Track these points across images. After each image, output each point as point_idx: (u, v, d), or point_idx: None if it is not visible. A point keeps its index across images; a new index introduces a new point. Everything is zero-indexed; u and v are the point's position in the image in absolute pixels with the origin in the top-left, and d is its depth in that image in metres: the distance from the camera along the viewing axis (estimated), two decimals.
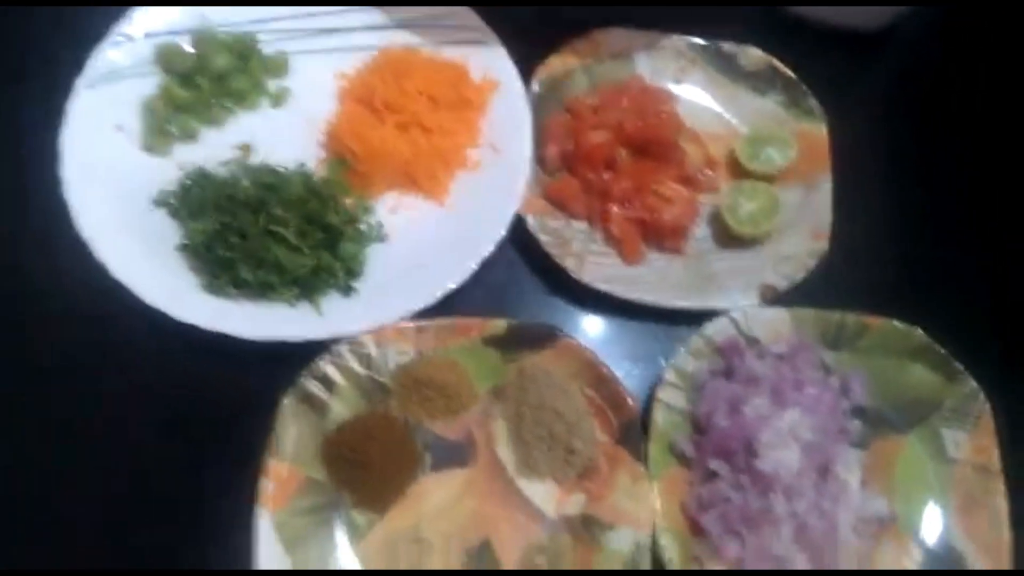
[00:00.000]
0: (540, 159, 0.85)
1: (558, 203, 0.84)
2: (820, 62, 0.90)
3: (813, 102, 0.87)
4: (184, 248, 0.78)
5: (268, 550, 0.67)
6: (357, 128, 0.82)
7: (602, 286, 0.79)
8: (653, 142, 0.84)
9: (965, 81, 0.94)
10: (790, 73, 0.88)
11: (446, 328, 0.75)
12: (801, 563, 0.70)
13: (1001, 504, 0.72)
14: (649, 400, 0.76)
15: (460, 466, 0.73)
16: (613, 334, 0.81)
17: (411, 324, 0.74)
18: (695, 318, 0.78)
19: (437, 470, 0.73)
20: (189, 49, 0.86)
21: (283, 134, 0.85)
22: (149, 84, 0.85)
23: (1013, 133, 0.92)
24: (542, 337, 0.75)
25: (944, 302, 0.83)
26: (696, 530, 0.71)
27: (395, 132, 0.82)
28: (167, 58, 0.85)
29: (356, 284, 0.78)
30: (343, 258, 0.77)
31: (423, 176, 0.82)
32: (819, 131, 0.86)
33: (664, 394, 0.75)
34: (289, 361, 0.72)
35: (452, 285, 0.76)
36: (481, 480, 0.73)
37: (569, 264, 0.79)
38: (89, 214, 0.76)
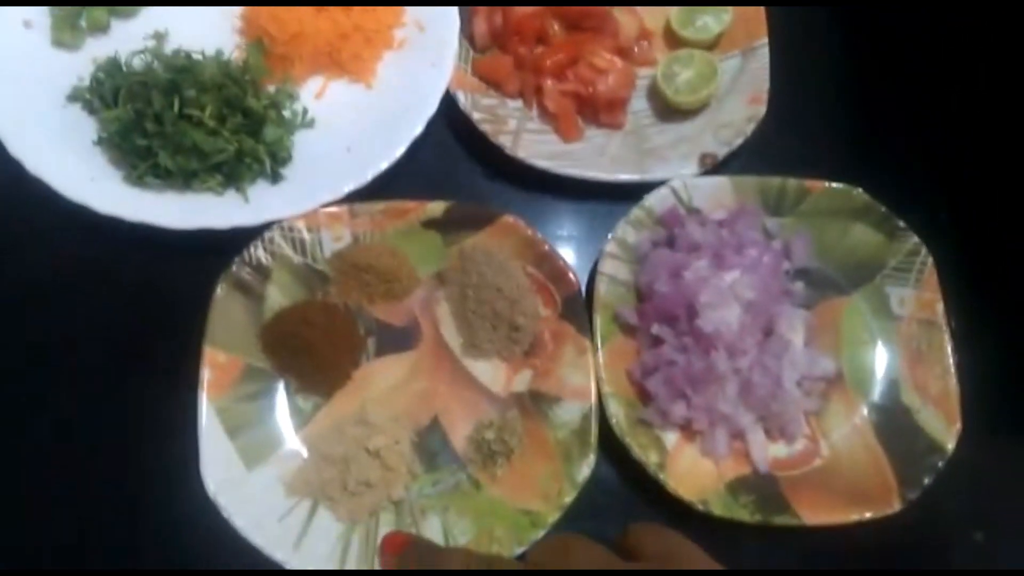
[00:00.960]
0: (469, 36, 0.81)
1: (490, 81, 0.80)
2: None
3: None
4: (102, 141, 0.74)
5: (211, 437, 0.65)
6: (273, 9, 0.77)
7: (539, 163, 0.76)
8: (585, 13, 0.80)
9: None
10: None
11: (382, 211, 0.71)
12: (748, 421, 0.69)
13: (948, 357, 0.71)
14: (594, 274, 0.73)
15: (405, 350, 0.71)
16: (554, 212, 0.79)
17: (344, 208, 0.71)
18: (637, 191, 0.75)
19: (382, 355, 0.71)
20: None
21: (198, 21, 0.80)
22: None
23: None
24: (482, 217, 0.72)
25: (883, 161, 0.82)
26: (643, 396, 0.70)
27: (313, 12, 0.77)
28: None
29: (284, 171, 0.75)
30: (267, 143, 0.73)
31: (347, 58, 0.78)
32: None
33: (606, 266, 0.73)
34: (223, 251, 0.69)
35: (383, 166, 0.72)
36: (427, 362, 0.71)
37: (504, 142, 0.76)
38: (1, 112, 0.71)
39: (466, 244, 0.72)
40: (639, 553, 0.47)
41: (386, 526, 0.65)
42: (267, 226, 0.70)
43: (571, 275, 0.71)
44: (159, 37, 0.78)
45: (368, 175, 0.72)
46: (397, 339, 0.71)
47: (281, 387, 0.69)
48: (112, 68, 0.75)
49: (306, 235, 0.70)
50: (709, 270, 0.71)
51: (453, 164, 0.79)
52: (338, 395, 0.69)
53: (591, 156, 0.79)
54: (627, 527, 0.50)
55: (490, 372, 0.71)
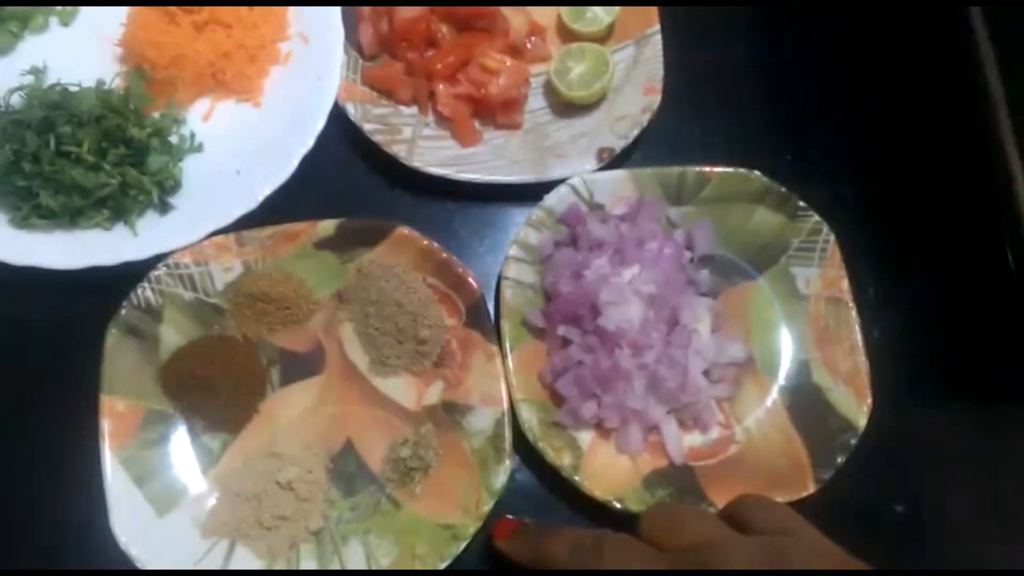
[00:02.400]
0: (356, 44, 0.77)
1: (381, 89, 0.77)
2: None
3: None
4: None
5: (118, 487, 0.62)
6: (151, 35, 0.73)
7: (437, 170, 0.73)
8: (473, 13, 0.77)
9: None
10: None
11: (271, 236, 0.68)
12: (659, 414, 0.68)
13: (856, 333, 0.70)
14: (500, 277, 0.71)
15: (311, 375, 0.69)
16: (458, 218, 0.76)
17: (231, 237, 0.68)
18: (538, 191, 0.73)
19: (287, 383, 0.68)
20: None
21: (76, 53, 0.76)
22: None
23: None
24: (375, 231, 0.69)
25: (780, 143, 0.80)
26: (555, 398, 0.68)
27: (192, 33, 0.74)
28: None
29: (173, 200, 0.71)
30: (151, 173, 0.70)
31: (232, 77, 0.75)
32: None
33: (511, 270, 0.70)
34: (116, 287, 0.66)
35: (271, 189, 0.69)
36: (336, 385, 0.68)
37: (399, 151, 0.73)
38: None
39: (363, 260, 0.69)
40: (750, 526, 0.49)
41: (307, 558, 0.63)
42: (156, 262, 0.66)
43: (472, 282, 0.68)
44: (36, 72, 0.74)
45: (259, 197, 0.69)
46: (302, 365, 0.68)
47: (185, 428, 0.66)
48: None
49: (194, 269, 0.67)
50: (609, 267, 0.69)
51: (349, 178, 0.76)
52: (246, 430, 0.66)
53: (491, 159, 0.76)
54: (738, 497, 0.51)
55: (401, 388, 0.68)
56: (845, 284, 0.71)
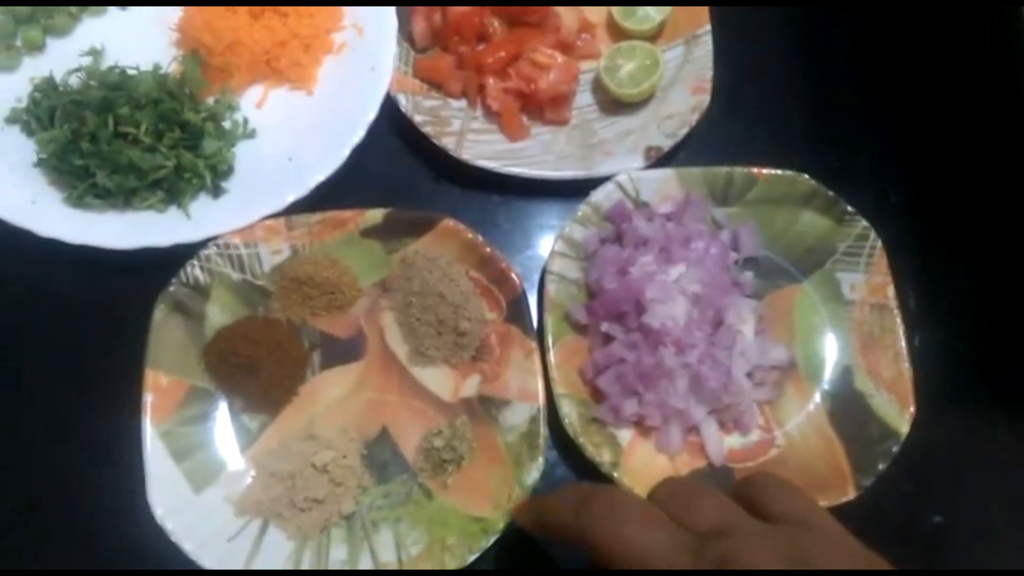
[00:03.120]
0: (408, 36, 0.77)
1: (432, 81, 0.76)
2: None
3: None
4: (41, 163, 0.70)
5: (156, 462, 0.62)
6: (208, 20, 0.73)
7: (485, 163, 0.73)
8: (525, 8, 0.76)
9: None
10: None
11: (319, 222, 0.68)
12: (700, 415, 0.66)
13: (900, 340, 0.68)
14: (544, 272, 0.70)
15: (351, 361, 0.68)
16: (503, 211, 0.76)
17: (281, 220, 0.68)
18: (584, 187, 0.72)
19: (327, 368, 0.68)
20: None
21: (134, 36, 0.76)
22: None
23: None
24: (421, 223, 0.69)
25: (831, 144, 0.79)
26: (596, 394, 0.67)
27: (248, 20, 0.74)
28: None
29: (225, 184, 0.71)
30: (206, 156, 0.70)
31: (286, 65, 0.75)
32: None
33: (555, 265, 0.70)
34: (165, 267, 0.66)
35: (322, 177, 0.69)
36: (374, 373, 0.68)
37: (448, 143, 0.73)
38: None
39: (407, 251, 0.69)
40: (766, 510, 0.46)
41: (337, 542, 0.63)
42: (206, 243, 0.66)
43: (514, 277, 0.67)
44: (95, 54, 0.74)
45: (310, 184, 0.69)
46: (342, 351, 0.68)
47: (225, 407, 0.66)
48: (48, 88, 0.71)
49: (243, 251, 0.67)
50: (655, 265, 0.68)
51: (397, 168, 0.76)
52: (285, 412, 0.66)
53: (537, 154, 0.75)
54: (752, 475, 0.49)
55: (438, 379, 0.68)
56: (891, 291, 0.70)
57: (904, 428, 0.65)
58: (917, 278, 0.74)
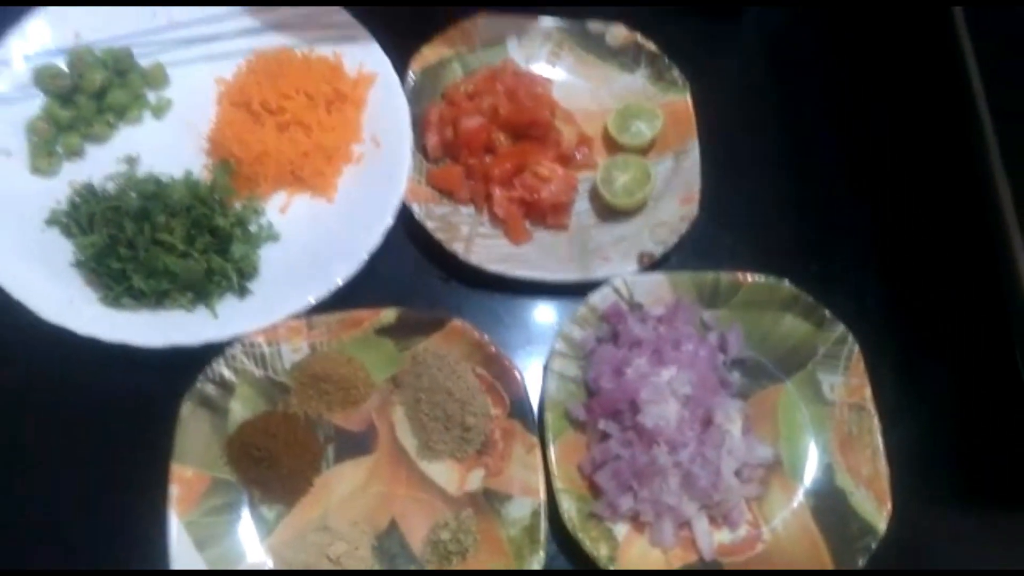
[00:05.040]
0: (422, 148, 0.82)
1: (443, 190, 0.81)
2: (683, 34, 0.89)
3: (676, 74, 0.85)
4: (79, 264, 0.74)
5: (180, 551, 0.64)
6: (238, 132, 0.78)
7: (491, 267, 0.77)
8: (529, 124, 0.81)
9: (818, 43, 0.94)
10: (654, 48, 0.86)
11: (337, 322, 0.71)
12: (692, 511, 0.69)
13: (877, 439, 0.72)
14: (545, 370, 0.73)
15: (363, 454, 0.71)
16: (507, 311, 0.79)
17: (302, 320, 0.71)
18: (583, 289, 0.76)
19: (341, 461, 0.71)
20: (66, 69, 0.80)
21: (167, 144, 0.80)
22: (32, 107, 0.80)
23: (866, 91, 0.91)
24: (432, 323, 0.72)
25: (809, 252, 0.83)
26: (594, 489, 0.70)
27: (275, 133, 0.78)
28: (45, 80, 0.80)
29: (250, 285, 0.75)
30: (234, 260, 0.74)
31: (309, 174, 0.79)
32: (684, 101, 0.84)
33: (555, 364, 0.73)
34: (191, 363, 0.69)
35: (342, 279, 0.72)
36: (385, 466, 0.70)
37: (457, 248, 0.77)
38: None
39: (418, 348, 0.72)
40: None
41: None
42: (231, 341, 0.70)
43: (517, 375, 0.71)
44: (131, 161, 0.79)
45: (330, 287, 0.73)
46: (355, 444, 0.71)
47: (246, 498, 0.68)
48: (87, 193, 0.75)
49: (266, 349, 0.70)
50: (648, 367, 0.71)
51: (409, 270, 0.79)
52: (301, 503, 0.68)
53: (539, 257, 0.79)
54: None
55: (444, 473, 0.70)
56: (868, 392, 0.73)
57: (882, 525, 0.68)
58: (894, 378, 0.77)
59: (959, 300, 0.82)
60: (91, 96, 0.79)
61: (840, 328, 0.75)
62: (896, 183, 0.87)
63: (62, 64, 0.80)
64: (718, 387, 0.73)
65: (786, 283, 0.76)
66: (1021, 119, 0.75)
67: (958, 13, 0.85)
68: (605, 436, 0.70)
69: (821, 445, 0.73)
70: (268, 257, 0.76)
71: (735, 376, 0.75)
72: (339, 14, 0.83)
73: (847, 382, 0.74)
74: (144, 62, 0.82)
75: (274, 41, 0.83)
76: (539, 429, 0.70)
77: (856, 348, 0.74)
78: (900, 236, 0.85)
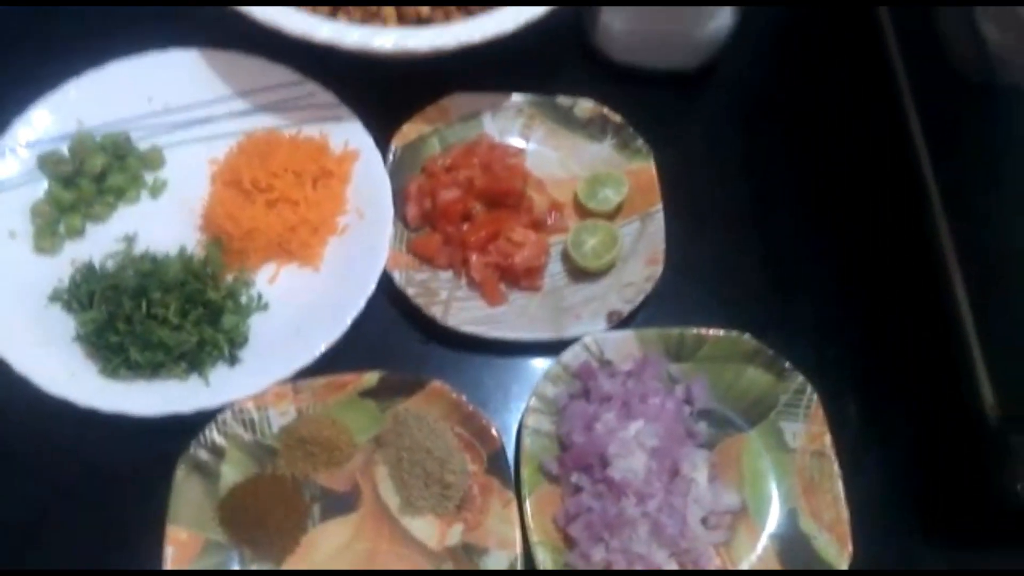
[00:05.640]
0: (403, 218, 0.86)
1: (423, 257, 0.85)
2: (647, 104, 0.94)
3: (641, 142, 0.90)
4: (79, 338, 0.78)
5: None
6: (229, 210, 0.82)
7: (468, 329, 0.81)
8: (503, 194, 0.86)
9: (779, 103, 0.99)
10: (618, 119, 0.91)
11: (323, 386, 0.76)
12: (662, 559, 0.72)
13: (838, 485, 0.75)
14: (521, 426, 0.77)
15: (348, 513, 0.74)
16: (485, 370, 0.83)
17: (289, 385, 0.75)
18: (556, 347, 0.80)
19: (327, 519, 0.74)
20: (68, 154, 0.85)
21: (163, 221, 0.85)
22: (36, 190, 0.85)
23: (824, 147, 0.96)
24: (412, 384, 0.76)
25: (770, 307, 0.87)
26: (568, 541, 0.73)
27: (264, 209, 0.83)
28: (49, 165, 0.85)
29: (240, 353, 0.79)
30: (225, 331, 0.78)
31: (296, 246, 0.84)
32: (648, 168, 0.89)
33: (530, 420, 0.77)
34: (185, 428, 0.73)
35: (326, 345, 0.77)
36: (369, 523, 0.74)
37: (436, 312, 0.81)
38: None
39: (399, 409, 0.76)
40: None
41: None
42: (222, 407, 0.74)
43: (494, 432, 0.74)
44: (129, 239, 0.83)
45: (316, 353, 0.77)
46: (340, 503, 0.74)
47: (236, 557, 0.71)
48: (87, 272, 0.80)
49: (255, 414, 0.74)
50: (616, 421, 0.75)
51: (391, 333, 0.83)
52: (288, 561, 0.72)
53: (514, 317, 0.83)
54: None
55: (425, 528, 0.73)
56: (828, 439, 0.76)
57: (843, 566, 0.71)
58: (854, 425, 0.81)
59: (916, 349, 0.85)
60: (92, 179, 0.84)
61: (799, 378, 0.79)
62: (854, 237, 0.92)
63: (64, 149, 0.86)
64: (684, 438, 0.76)
65: (747, 337, 0.80)
66: (962, 190, 0.80)
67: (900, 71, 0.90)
68: (578, 489, 0.74)
69: (784, 491, 0.77)
70: (257, 325, 0.81)
71: (701, 427, 0.78)
72: (324, 95, 0.89)
73: (808, 430, 0.77)
74: (142, 145, 0.88)
75: (264, 123, 0.89)
76: (516, 483, 0.74)
77: (815, 397, 0.78)
78: (858, 287, 0.89)
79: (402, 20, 0.88)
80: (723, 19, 0.91)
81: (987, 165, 0.75)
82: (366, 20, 0.87)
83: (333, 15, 0.87)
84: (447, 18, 0.88)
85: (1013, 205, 0.70)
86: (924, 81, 0.88)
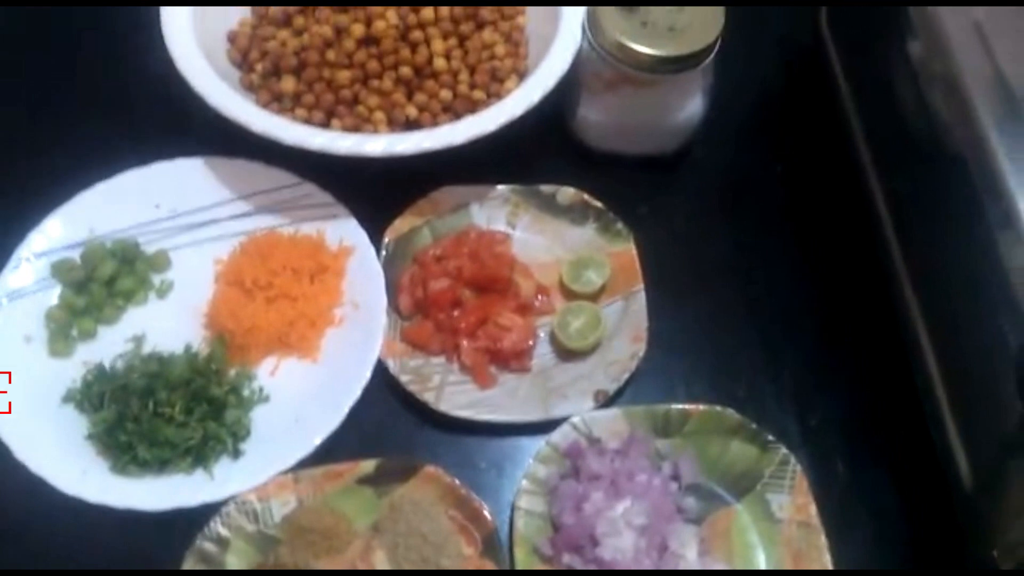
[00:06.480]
0: (396, 308, 0.90)
1: (415, 344, 0.89)
2: (626, 187, 0.99)
3: (620, 226, 0.94)
4: (91, 437, 0.82)
5: None
6: (232, 308, 0.87)
7: (460, 413, 0.84)
8: (490, 280, 0.91)
9: (749, 186, 1.03)
10: (599, 204, 0.95)
11: (322, 475, 0.79)
12: None
13: (825, 555, 0.76)
14: (513, 508, 0.79)
15: None
16: (477, 452, 0.86)
17: (289, 476, 0.78)
18: (545, 427, 0.83)
19: None
20: (80, 261, 0.90)
21: (170, 321, 0.90)
22: (50, 296, 0.90)
23: (793, 228, 1.00)
24: (407, 470, 0.79)
25: (753, 378, 0.90)
26: None
27: (265, 306, 0.87)
28: (62, 272, 0.90)
29: (243, 445, 0.82)
30: (228, 425, 0.81)
31: (295, 340, 0.87)
32: (629, 250, 0.93)
33: (523, 501, 0.79)
34: (190, 520, 0.76)
35: (323, 436, 0.80)
36: None
37: (428, 398, 0.84)
38: (6, 420, 0.80)
39: (395, 495, 0.79)
40: None
41: None
42: (226, 500, 0.77)
43: (487, 515, 0.77)
44: (137, 340, 0.88)
45: (315, 443, 0.80)
46: None
47: None
48: (98, 373, 0.84)
49: (258, 506, 0.77)
50: (605, 501, 0.77)
51: (385, 419, 0.86)
52: None
53: (505, 399, 0.86)
54: None
55: None
56: (812, 509, 0.78)
57: None
58: (839, 493, 0.83)
59: (896, 419, 0.87)
60: (103, 284, 0.89)
61: (782, 451, 0.81)
62: (829, 307, 0.95)
63: (77, 257, 0.91)
64: (673, 514, 0.78)
65: (730, 411, 0.82)
66: (925, 261, 0.83)
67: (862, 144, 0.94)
68: (570, 570, 0.76)
69: (774, 563, 0.78)
70: (258, 418, 0.84)
71: (689, 502, 0.80)
72: (321, 195, 0.94)
73: (793, 501, 0.79)
74: (150, 249, 0.93)
75: (265, 223, 0.94)
76: (510, 565, 0.76)
77: (798, 468, 0.80)
78: (837, 358, 0.92)
79: (392, 124, 0.94)
80: (694, 107, 0.96)
81: (945, 236, 0.78)
82: (358, 125, 0.93)
83: (327, 123, 0.94)
84: (434, 120, 0.94)
85: (971, 276, 0.73)
86: (884, 154, 0.92)
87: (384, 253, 0.92)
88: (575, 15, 0.94)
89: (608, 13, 0.90)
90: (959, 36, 0.77)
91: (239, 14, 1.02)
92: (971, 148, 0.73)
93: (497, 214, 0.97)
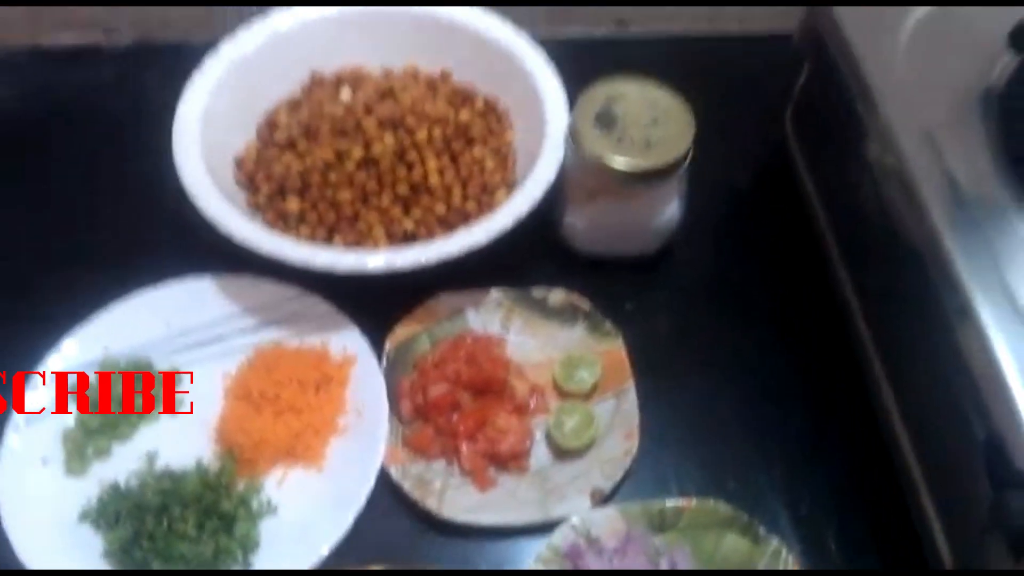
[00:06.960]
0: (397, 414, 0.94)
1: (416, 449, 0.92)
2: (612, 287, 1.04)
3: (609, 325, 0.99)
4: (107, 554, 0.84)
5: None
6: (240, 423, 0.90)
7: (461, 518, 0.87)
8: (487, 382, 0.94)
9: (728, 282, 1.08)
10: (587, 306, 1.00)
11: None
12: None
13: None
14: None
15: None
16: (479, 554, 0.88)
17: None
18: (545, 528, 0.86)
19: None
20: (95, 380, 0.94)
21: (181, 437, 0.93)
22: (67, 418, 0.93)
23: (771, 320, 1.04)
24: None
25: (743, 470, 0.93)
26: None
27: (272, 419, 0.91)
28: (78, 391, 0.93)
29: (252, 557, 0.84)
30: (238, 538, 0.84)
31: (301, 450, 0.91)
32: (618, 348, 0.97)
33: None
34: None
35: (331, 545, 0.83)
36: None
37: (431, 505, 0.87)
38: (24, 540, 0.83)
39: None
40: None
41: None
42: None
43: None
44: (150, 457, 0.91)
45: (323, 553, 0.83)
46: None
47: None
48: (113, 492, 0.87)
49: None
50: None
51: (388, 524, 0.89)
52: None
53: (504, 501, 0.89)
54: None
55: None
56: None
57: None
58: None
59: (882, 506, 0.90)
60: (116, 402, 0.93)
61: (774, 542, 0.83)
62: (813, 398, 0.99)
63: (92, 376, 0.95)
64: None
65: (723, 504, 0.85)
66: (896, 353, 0.88)
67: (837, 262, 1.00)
68: None
69: None
70: (266, 529, 0.86)
71: None
72: (325, 306, 0.99)
73: None
74: (161, 366, 0.97)
75: (271, 336, 0.98)
76: None
77: (791, 558, 0.83)
78: (823, 449, 0.95)
79: (390, 237, 1.00)
80: (672, 211, 1.02)
81: (910, 329, 0.82)
82: (359, 240, 0.99)
83: (329, 239, 0.99)
84: (430, 232, 1.00)
85: (936, 367, 0.77)
86: (850, 249, 0.98)
87: (385, 361, 0.96)
88: (558, 132, 1.01)
89: (588, 131, 0.96)
90: (910, 142, 0.84)
91: (245, 140, 1.08)
92: (926, 244, 0.78)
93: (491, 318, 1.02)
